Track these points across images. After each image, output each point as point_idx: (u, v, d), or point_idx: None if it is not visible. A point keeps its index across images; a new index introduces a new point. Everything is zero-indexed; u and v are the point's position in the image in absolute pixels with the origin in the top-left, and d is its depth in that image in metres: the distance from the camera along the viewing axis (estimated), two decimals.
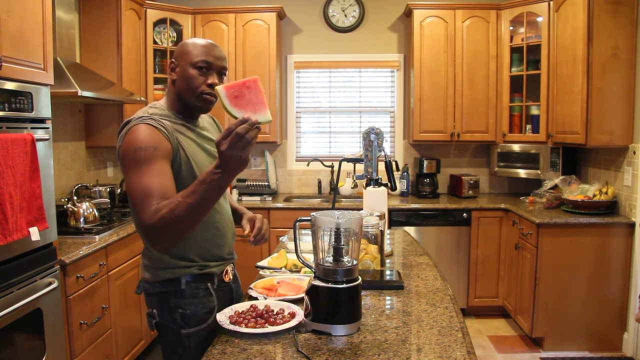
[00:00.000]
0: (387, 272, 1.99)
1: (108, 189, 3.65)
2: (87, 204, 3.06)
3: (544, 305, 3.47)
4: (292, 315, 1.52)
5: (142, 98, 3.71)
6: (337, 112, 4.79)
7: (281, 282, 1.82)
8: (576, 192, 3.68)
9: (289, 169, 4.77)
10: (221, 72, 1.64)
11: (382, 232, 2.00)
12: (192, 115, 1.69)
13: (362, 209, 2.22)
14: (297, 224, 1.56)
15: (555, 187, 3.97)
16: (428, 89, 4.30)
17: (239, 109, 1.35)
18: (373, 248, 1.97)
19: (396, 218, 4.06)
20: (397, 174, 4.31)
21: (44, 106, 2.30)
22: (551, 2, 3.87)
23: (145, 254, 1.67)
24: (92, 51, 3.63)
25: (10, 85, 2.09)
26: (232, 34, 4.29)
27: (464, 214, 4.05)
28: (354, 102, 4.78)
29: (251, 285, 1.82)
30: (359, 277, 1.47)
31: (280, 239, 2.65)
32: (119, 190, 3.79)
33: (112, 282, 2.88)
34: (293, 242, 1.82)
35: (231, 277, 1.78)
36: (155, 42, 4.13)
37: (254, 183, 4.42)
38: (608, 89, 3.40)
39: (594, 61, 3.39)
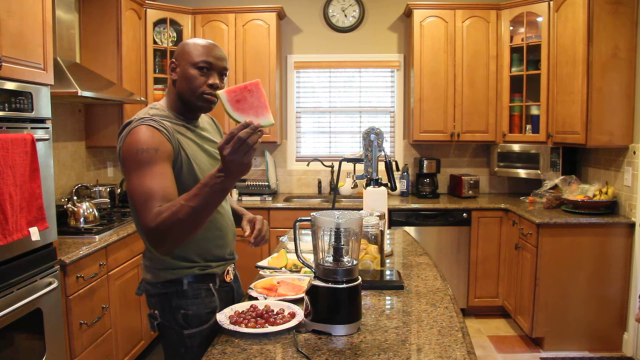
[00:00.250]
0: (387, 272, 1.99)
1: (108, 189, 3.65)
2: (87, 204, 3.06)
3: (544, 305, 3.47)
4: (292, 315, 1.52)
5: (142, 98, 3.71)
6: (337, 112, 4.79)
7: (281, 282, 1.82)
8: (576, 192, 3.68)
9: (289, 169, 4.77)
10: (222, 73, 1.64)
11: (382, 232, 2.00)
12: (192, 116, 1.69)
13: (362, 209, 2.22)
14: (297, 224, 1.56)
15: (555, 187, 3.97)
16: (428, 89, 4.30)
17: (240, 113, 1.33)
18: (373, 248, 1.97)
19: (396, 218, 4.06)
20: (397, 174, 4.32)
21: (44, 106, 2.30)
22: (551, 2, 3.87)
23: (146, 255, 1.67)
24: (92, 51, 3.63)
25: (10, 85, 2.09)
26: (232, 34, 4.29)
27: (464, 214, 4.05)
28: (354, 102, 4.77)
29: (251, 285, 1.82)
30: (359, 277, 1.47)
31: (280, 239, 2.65)
32: (119, 190, 3.79)
33: (112, 282, 2.88)
34: (293, 242, 1.81)
35: (232, 277, 1.78)
36: (155, 42, 4.13)
37: (254, 183, 4.42)
38: (608, 89, 3.40)
39: (594, 61, 3.39)
